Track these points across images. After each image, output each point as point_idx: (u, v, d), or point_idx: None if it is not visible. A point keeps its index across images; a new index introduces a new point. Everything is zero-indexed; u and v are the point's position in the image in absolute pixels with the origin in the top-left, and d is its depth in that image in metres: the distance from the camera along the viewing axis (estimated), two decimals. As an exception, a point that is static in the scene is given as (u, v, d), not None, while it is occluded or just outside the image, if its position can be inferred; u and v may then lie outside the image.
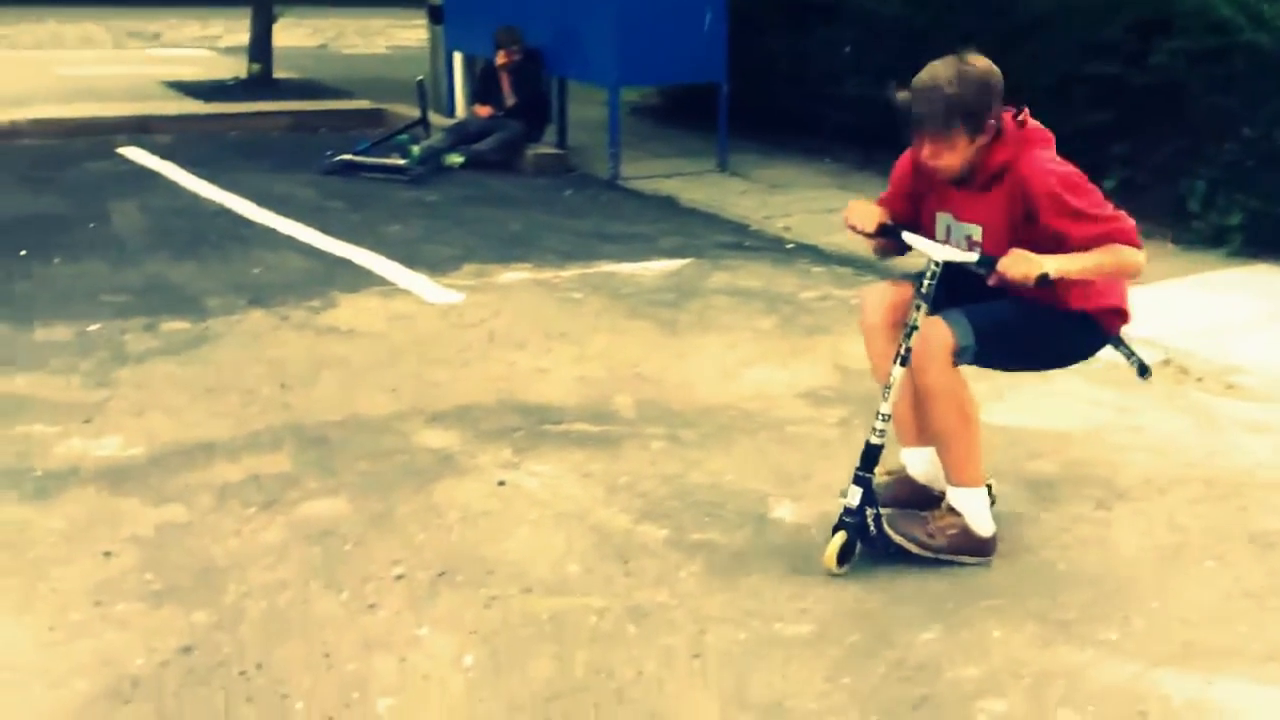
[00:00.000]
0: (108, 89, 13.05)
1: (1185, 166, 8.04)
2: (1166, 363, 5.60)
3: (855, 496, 3.68)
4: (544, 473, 4.39)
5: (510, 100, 10.38)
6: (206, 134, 11.45)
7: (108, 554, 3.75)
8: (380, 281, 6.78)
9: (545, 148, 10.51)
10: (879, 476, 3.85)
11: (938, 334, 3.61)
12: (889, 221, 3.78)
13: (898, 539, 3.71)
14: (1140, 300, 6.46)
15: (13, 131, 10.85)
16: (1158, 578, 3.77)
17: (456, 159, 10.01)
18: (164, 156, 10.17)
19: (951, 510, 3.78)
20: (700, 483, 4.34)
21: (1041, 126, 3.73)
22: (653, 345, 5.78)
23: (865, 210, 3.81)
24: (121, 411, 4.84)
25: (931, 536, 3.75)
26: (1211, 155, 7.91)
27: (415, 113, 10.72)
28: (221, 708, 3.02)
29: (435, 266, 7.06)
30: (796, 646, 3.35)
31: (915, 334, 3.62)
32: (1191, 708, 3.12)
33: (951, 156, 3.59)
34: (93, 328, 5.83)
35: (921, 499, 3.94)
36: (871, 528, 3.70)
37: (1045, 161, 3.59)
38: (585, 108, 11.46)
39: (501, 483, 4.30)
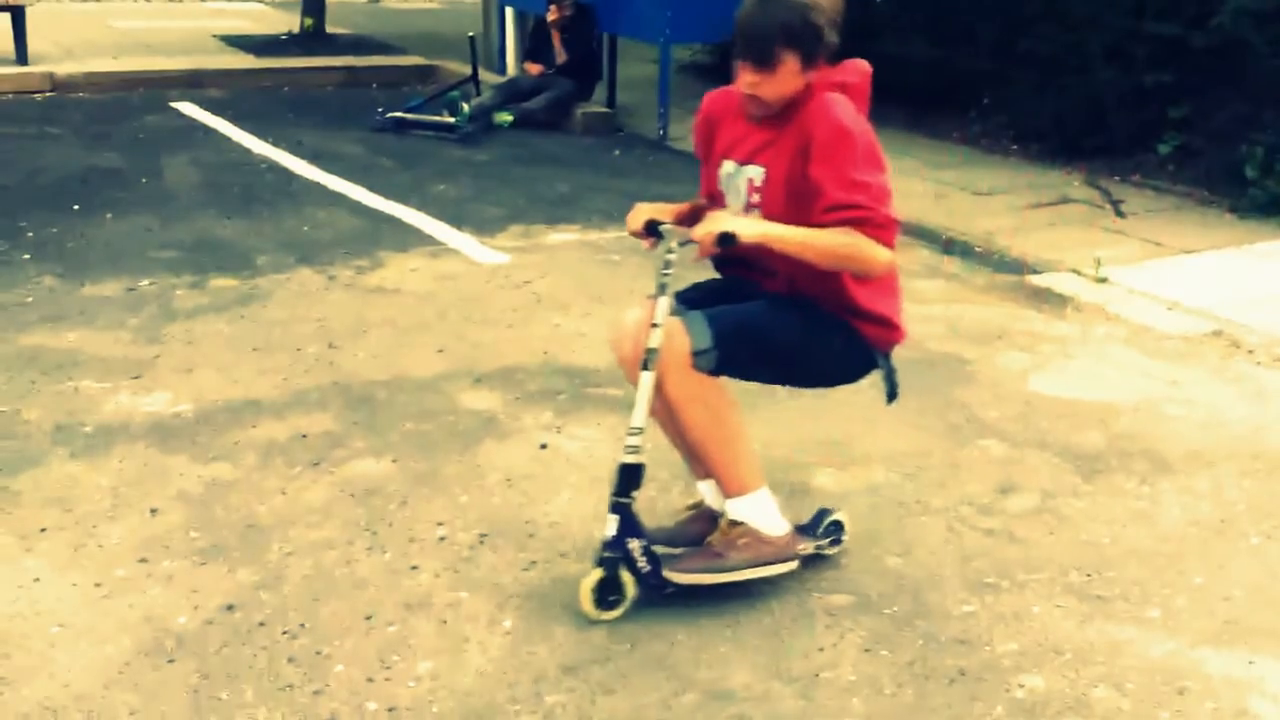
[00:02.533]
0: (161, 43, 13.12)
1: (1244, 132, 7.90)
2: (1218, 334, 5.53)
3: (612, 526, 3.25)
4: (586, 436, 4.40)
5: (561, 57, 10.35)
6: (259, 89, 11.50)
7: (154, 511, 3.80)
8: (428, 241, 6.80)
9: (594, 107, 10.47)
10: (681, 513, 3.64)
11: (671, 340, 3.18)
12: (656, 219, 3.38)
13: (685, 579, 3.30)
14: (1193, 269, 6.44)
15: (67, 85, 10.94)
16: (1202, 554, 3.74)
17: (506, 117, 10.00)
18: (216, 111, 10.22)
19: (734, 524, 3.38)
20: (742, 449, 4.33)
21: (863, 67, 3.29)
22: (698, 309, 5.76)
23: (637, 211, 3.43)
24: (170, 368, 4.90)
25: (721, 557, 3.35)
26: (1271, 120, 7.77)
27: (466, 69, 10.71)
28: (264, 667, 3.06)
29: (482, 226, 7.08)
30: (834, 617, 3.35)
31: (657, 331, 3.17)
32: (1232, 686, 3.10)
33: (772, 87, 3.15)
34: (142, 284, 5.88)
35: None
36: (642, 561, 3.27)
37: (846, 106, 3.11)
38: (633, 66, 11.42)
39: (544, 446, 4.32)
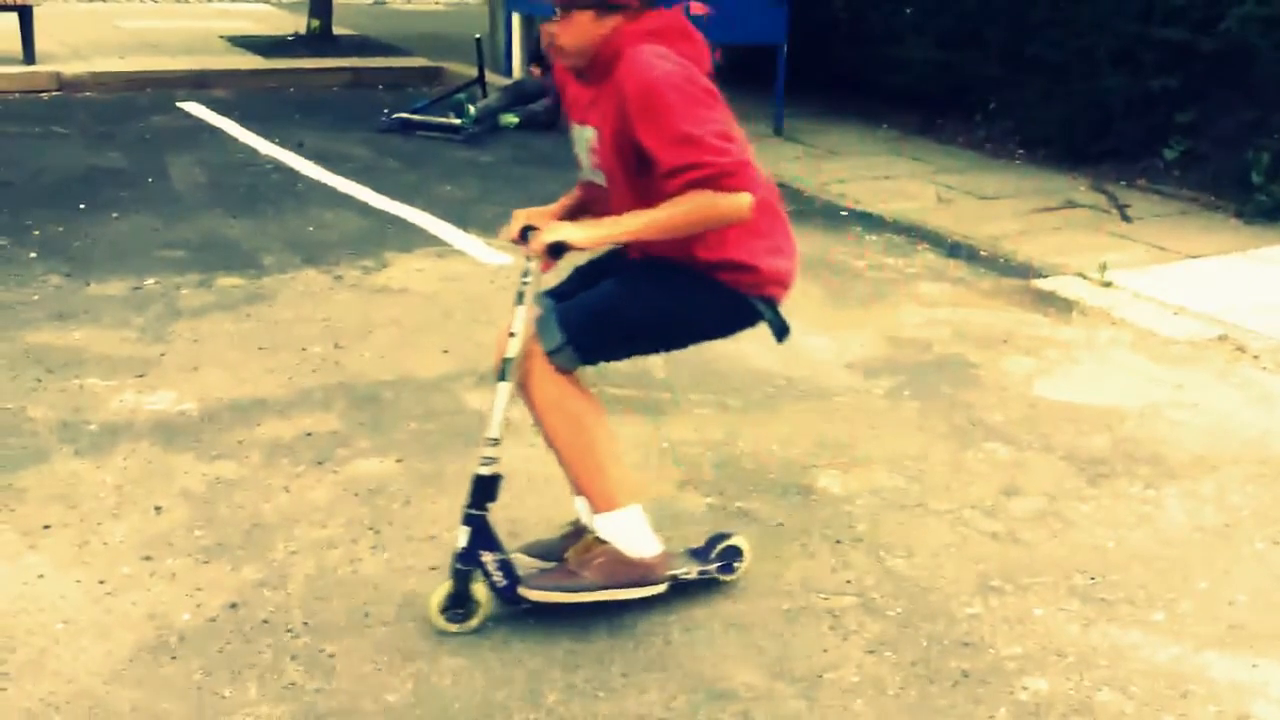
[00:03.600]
0: (168, 43, 13.14)
1: (1250, 137, 7.90)
2: (1223, 339, 5.52)
3: (463, 538, 3.16)
4: (590, 437, 4.40)
5: (567, 60, 10.34)
6: (265, 90, 11.52)
7: (159, 509, 3.80)
8: (433, 241, 6.80)
9: (601, 108, 10.46)
10: (562, 529, 3.51)
11: (528, 345, 3.11)
12: (530, 225, 3.23)
13: (538, 596, 3.20)
14: (1198, 274, 6.43)
15: (74, 84, 10.96)
16: (1206, 558, 3.73)
17: (512, 119, 10.01)
18: (223, 112, 10.24)
19: (600, 541, 3.27)
20: (745, 451, 4.33)
21: (682, 18, 3.06)
22: (703, 311, 5.75)
23: (514, 217, 3.29)
24: (175, 367, 4.90)
25: (575, 576, 3.23)
26: (1278, 125, 7.76)
27: (472, 71, 10.72)
28: (266, 665, 3.06)
29: (487, 227, 7.07)
30: (838, 618, 3.35)
31: (514, 341, 3.09)
32: (1236, 690, 3.09)
33: (568, 36, 3.00)
34: (148, 283, 5.89)
35: None
36: (496, 575, 3.18)
37: (653, 58, 2.89)
38: (642, 68, 11.40)
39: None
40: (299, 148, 8.98)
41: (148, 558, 3.52)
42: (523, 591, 3.20)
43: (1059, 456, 4.37)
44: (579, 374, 3.19)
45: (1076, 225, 7.43)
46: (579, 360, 3.12)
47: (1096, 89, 8.79)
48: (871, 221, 7.45)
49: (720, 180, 2.87)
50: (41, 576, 3.41)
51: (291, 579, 3.44)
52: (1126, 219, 7.58)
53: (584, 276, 3.33)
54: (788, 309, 3.30)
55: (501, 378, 3.12)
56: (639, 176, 3.00)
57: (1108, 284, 6.19)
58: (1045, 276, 6.38)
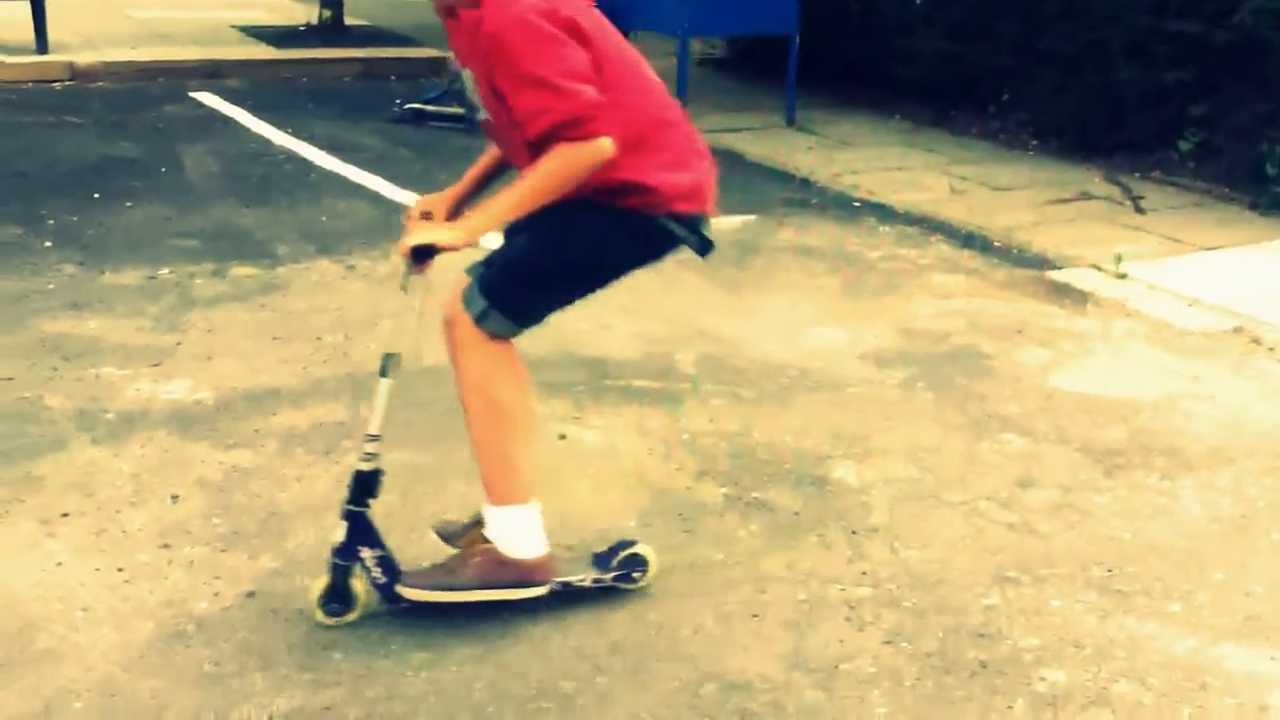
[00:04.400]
0: (179, 32, 13.13)
1: (1264, 129, 7.87)
2: (1238, 330, 5.51)
3: (341, 533, 3.10)
4: (604, 427, 4.41)
5: (579, 51, 10.32)
6: (278, 80, 11.50)
7: (176, 497, 3.81)
8: (446, 231, 6.79)
9: (613, 99, 10.43)
10: (474, 514, 3.38)
11: (458, 317, 3.06)
12: (427, 210, 3.21)
13: (415, 595, 3.14)
14: (1213, 266, 6.42)
15: (87, 74, 10.96)
16: (1223, 550, 3.73)
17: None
18: (235, 102, 10.23)
19: (485, 538, 3.20)
20: (760, 442, 4.33)
21: None
22: (715, 302, 5.76)
23: (416, 203, 3.26)
24: (190, 356, 4.91)
25: (453, 573, 3.17)
26: (1292, 118, 7.75)
27: (483, 62, 10.69)
28: (276, 654, 3.07)
29: (501, 217, 7.06)
30: (854, 609, 3.35)
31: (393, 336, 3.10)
32: (1253, 682, 3.09)
33: None
34: (162, 272, 5.90)
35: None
36: (376, 572, 3.13)
37: (506, 6, 2.79)
38: (651, 60, 11.39)
39: (562, 436, 4.32)
40: (316, 137, 8.97)
41: (165, 545, 3.53)
42: (399, 590, 3.15)
43: (1074, 448, 4.36)
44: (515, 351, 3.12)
45: (1091, 217, 7.41)
46: (510, 322, 3.05)
47: (1110, 81, 8.76)
48: (885, 212, 7.43)
49: (574, 129, 2.79)
50: (60, 564, 3.42)
51: (307, 569, 3.45)
52: (1141, 211, 7.55)
53: (509, 237, 3.23)
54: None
55: (382, 374, 3.07)
56: (514, 120, 2.89)
57: (1122, 275, 6.18)
58: (1060, 268, 6.36)
